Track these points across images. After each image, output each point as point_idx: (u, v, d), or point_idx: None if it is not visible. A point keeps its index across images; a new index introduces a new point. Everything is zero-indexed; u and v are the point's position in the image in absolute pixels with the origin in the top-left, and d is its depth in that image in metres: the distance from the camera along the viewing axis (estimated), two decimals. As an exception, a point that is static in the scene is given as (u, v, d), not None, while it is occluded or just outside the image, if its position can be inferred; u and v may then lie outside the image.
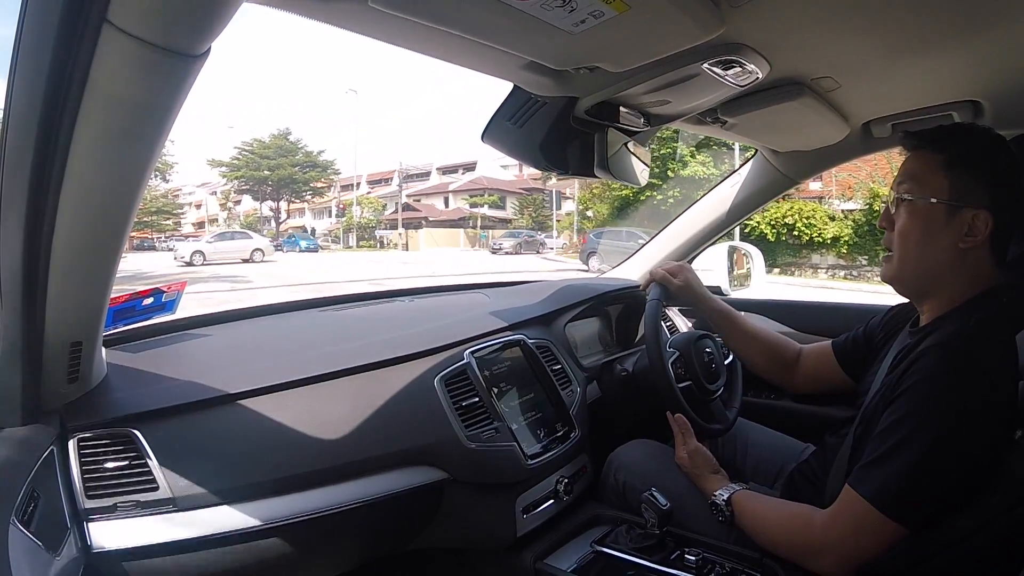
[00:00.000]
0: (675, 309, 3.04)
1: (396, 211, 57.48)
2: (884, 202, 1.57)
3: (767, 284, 3.20)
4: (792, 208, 21.24)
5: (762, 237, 21.50)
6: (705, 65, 1.47)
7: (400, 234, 51.33)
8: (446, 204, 60.53)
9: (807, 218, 21.04)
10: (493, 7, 1.09)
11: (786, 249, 21.73)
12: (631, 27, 1.20)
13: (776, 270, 21.35)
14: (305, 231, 61.41)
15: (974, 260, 1.41)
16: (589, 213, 32.33)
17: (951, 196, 1.40)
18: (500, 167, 56.28)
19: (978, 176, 1.40)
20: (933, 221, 1.42)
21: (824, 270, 21.06)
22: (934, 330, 1.44)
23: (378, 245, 52.84)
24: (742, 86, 1.62)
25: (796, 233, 21.28)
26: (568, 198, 35.70)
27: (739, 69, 1.51)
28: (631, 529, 1.70)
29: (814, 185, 24.33)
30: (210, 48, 0.92)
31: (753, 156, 2.73)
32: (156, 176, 50.86)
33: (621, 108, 1.75)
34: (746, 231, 21.46)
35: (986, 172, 1.40)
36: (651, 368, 1.97)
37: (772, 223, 21.33)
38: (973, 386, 1.26)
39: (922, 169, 1.46)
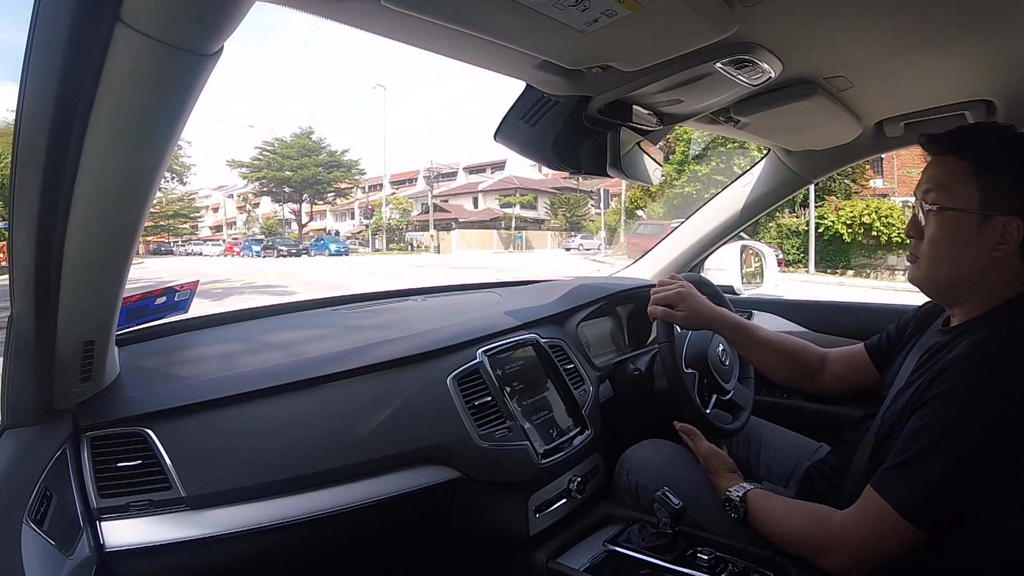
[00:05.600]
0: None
1: (424, 212, 56.56)
2: (910, 207, 1.53)
3: (779, 282, 3.19)
4: (868, 207, 20.79)
5: (837, 237, 21.18)
6: (718, 64, 1.47)
7: (431, 236, 50.41)
8: (475, 204, 59.75)
9: (884, 217, 20.46)
10: (506, 6, 1.09)
11: (861, 250, 21.26)
12: (644, 26, 1.20)
13: (850, 272, 21.02)
14: (328, 233, 60.67)
15: (1006, 266, 1.38)
16: (640, 212, 32.15)
17: (981, 205, 1.36)
18: (529, 166, 55.00)
19: (1007, 182, 1.35)
20: (964, 231, 1.39)
21: (902, 271, 19.55)
22: (965, 333, 1.42)
23: (408, 248, 52.05)
24: (755, 85, 1.61)
25: (874, 233, 20.75)
26: (616, 196, 35.43)
27: (752, 68, 1.51)
28: (644, 528, 1.70)
29: (876, 182, 24.12)
30: (222, 47, 0.92)
31: (765, 156, 2.72)
32: (172, 178, 50.64)
33: (634, 107, 1.75)
34: (819, 231, 21.19)
35: (1015, 177, 1.36)
36: (663, 364, 1.95)
37: (848, 223, 20.80)
38: (1004, 398, 1.23)
39: (949, 177, 1.41)
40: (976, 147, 1.40)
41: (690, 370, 2.08)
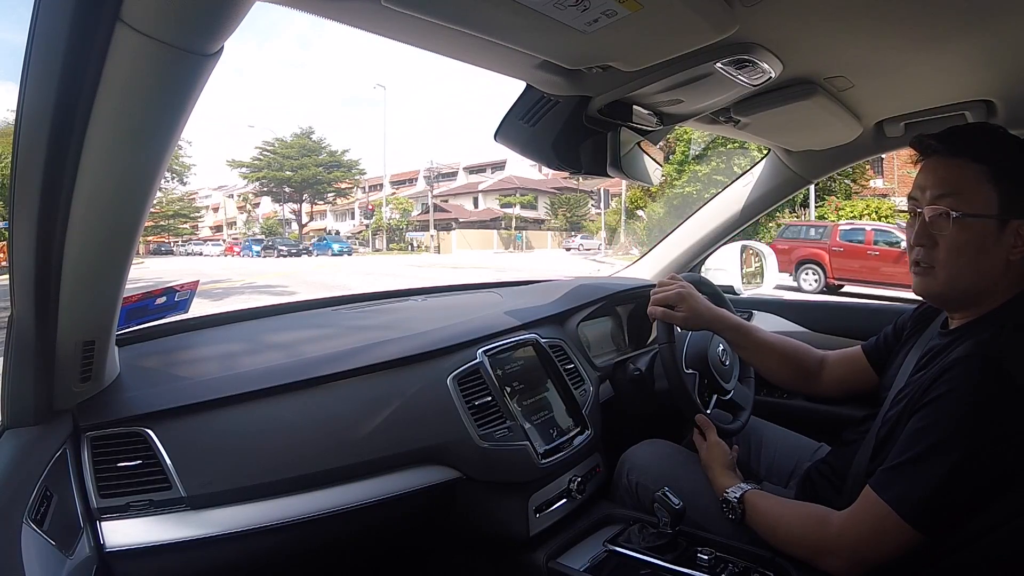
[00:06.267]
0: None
1: (424, 212, 56.64)
2: (913, 213, 1.48)
3: (780, 282, 3.18)
4: (868, 207, 20.66)
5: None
6: (718, 64, 1.47)
7: (432, 236, 50.60)
8: (475, 204, 59.89)
9: (885, 217, 20.19)
10: (506, 6, 1.09)
11: (861, 250, 20.97)
12: (644, 26, 1.20)
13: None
14: (329, 233, 60.90)
15: (1018, 268, 1.38)
16: (640, 212, 32.02)
17: (1001, 210, 1.35)
18: (529, 166, 55.01)
19: (1023, 185, 1.35)
20: (986, 236, 1.36)
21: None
22: (965, 334, 1.41)
23: (408, 248, 52.17)
24: (755, 85, 1.61)
25: (875, 233, 20.52)
26: (616, 196, 35.39)
27: (752, 68, 1.51)
28: (644, 528, 1.70)
29: (876, 182, 24.03)
30: (223, 47, 0.92)
31: (766, 156, 2.72)
32: (173, 179, 50.71)
33: (634, 107, 1.75)
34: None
35: None
36: (662, 363, 1.97)
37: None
38: (1005, 401, 1.23)
39: (965, 181, 1.37)
40: (991, 150, 1.38)
41: (690, 370, 2.08)
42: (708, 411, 2.01)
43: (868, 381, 1.88)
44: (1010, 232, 1.35)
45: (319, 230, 65.33)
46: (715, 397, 2.11)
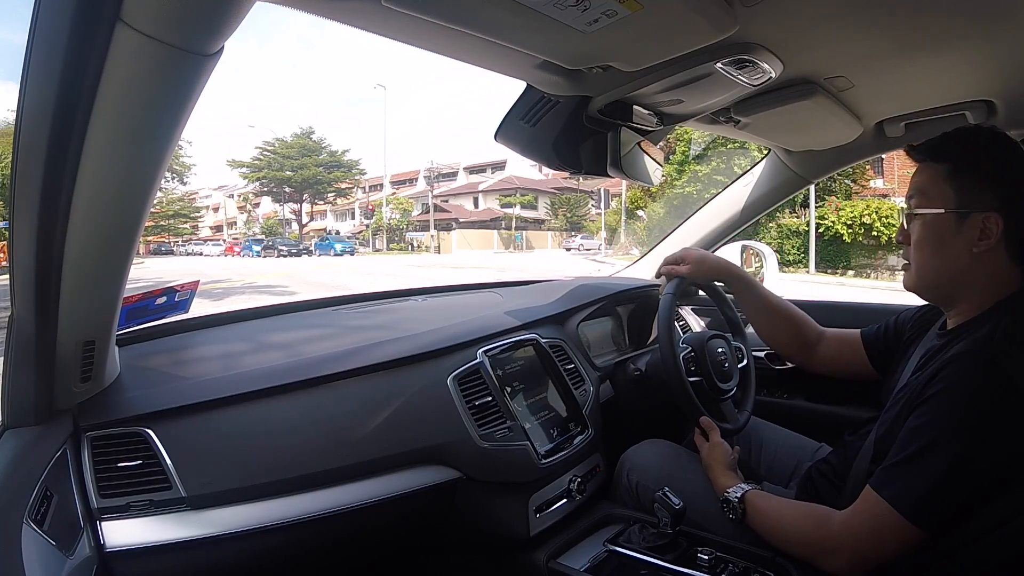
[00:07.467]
0: (688, 309, 3.03)
1: (424, 212, 56.57)
2: (902, 210, 1.57)
3: (780, 282, 3.18)
4: (868, 207, 20.62)
5: (837, 237, 21.01)
6: (718, 64, 1.47)
7: (432, 236, 50.60)
8: (475, 205, 59.79)
9: (885, 217, 20.14)
10: (506, 6, 1.09)
11: (861, 250, 21.05)
12: (644, 26, 1.20)
13: (851, 272, 20.83)
14: (330, 233, 60.79)
15: (991, 261, 1.41)
16: (640, 212, 31.94)
17: (958, 204, 1.42)
18: (530, 166, 54.82)
19: (983, 180, 1.40)
20: (945, 231, 1.44)
21: (902, 272, 18.48)
22: (962, 334, 1.43)
23: (408, 248, 52.19)
24: (755, 85, 1.61)
25: (875, 233, 20.43)
26: (616, 196, 35.40)
27: (752, 68, 1.51)
28: (644, 528, 1.70)
29: (876, 182, 23.98)
30: (223, 47, 0.92)
31: (766, 156, 2.72)
32: (173, 178, 50.59)
33: (634, 107, 1.75)
34: (820, 231, 20.97)
35: (991, 174, 1.41)
36: (662, 361, 1.97)
37: (848, 223, 20.48)
38: (1000, 395, 1.24)
39: (928, 181, 1.48)
40: (952, 150, 1.46)
41: (690, 375, 2.08)
42: (691, 379, 2.02)
43: (860, 366, 1.93)
44: (970, 226, 1.41)
45: (319, 230, 65.24)
46: (701, 379, 2.10)
